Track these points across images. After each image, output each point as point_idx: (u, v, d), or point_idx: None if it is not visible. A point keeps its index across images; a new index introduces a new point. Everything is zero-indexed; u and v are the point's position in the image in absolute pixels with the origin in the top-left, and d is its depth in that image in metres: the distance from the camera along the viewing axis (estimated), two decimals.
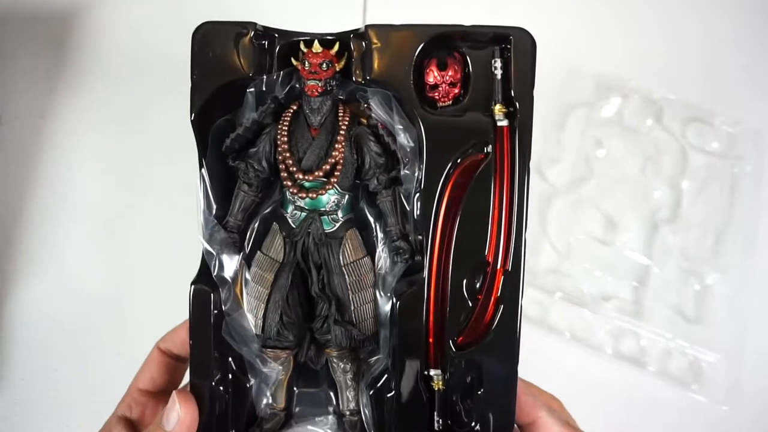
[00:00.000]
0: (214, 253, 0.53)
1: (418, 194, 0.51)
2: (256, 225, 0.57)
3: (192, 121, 0.51)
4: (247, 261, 0.55)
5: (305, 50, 0.53)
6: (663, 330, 0.72)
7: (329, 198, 0.53)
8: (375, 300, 0.54)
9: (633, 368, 0.72)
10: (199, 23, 0.50)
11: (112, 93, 0.75)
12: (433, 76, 0.50)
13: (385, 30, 0.50)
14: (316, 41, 0.52)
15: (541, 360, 0.74)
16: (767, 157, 0.75)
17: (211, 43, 0.50)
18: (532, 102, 0.49)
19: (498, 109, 0.50)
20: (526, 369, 0.73)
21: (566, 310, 0.74)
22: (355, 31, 0.51)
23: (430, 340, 0.52)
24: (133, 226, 0.77)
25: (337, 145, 0.52)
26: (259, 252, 0.54)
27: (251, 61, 0.51)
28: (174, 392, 0.48)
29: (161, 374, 0.55)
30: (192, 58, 0.50)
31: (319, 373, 0.59)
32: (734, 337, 0.71)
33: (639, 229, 0.75)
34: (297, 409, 0.59)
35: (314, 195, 0.51)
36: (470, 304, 0.51)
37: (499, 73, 0.50)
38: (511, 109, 0.50)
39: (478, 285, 0.52)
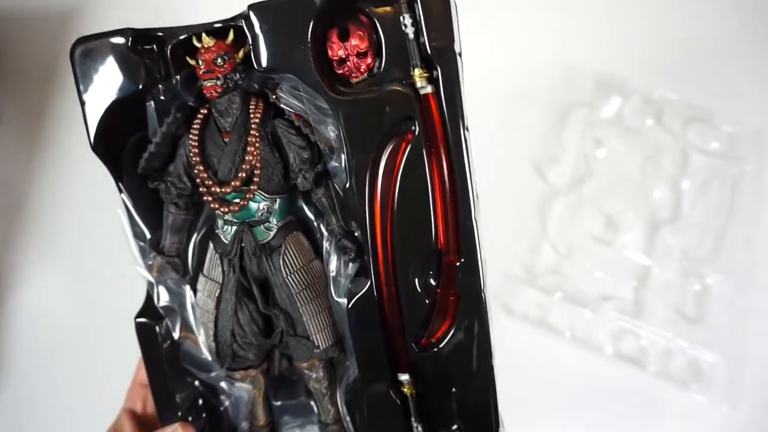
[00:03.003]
0: (155, 282, 0.50)
1: (348, 185, 0.45)
2: (196, 243, 0.53)
3: (93, 149, 0.47)
4: (193, 283, 0.52)
5: (197, 45, 0.46)
6: (663, 330, 0.72)
7: (257, 206, 0.47)
8: (330, 306, 0.49)
9: (633, 368, 0.71)
10: (74, 41, 0.45)
11: None
12: (335, 49, 0.42)
13: (268, 8, 0.42)
14: (203, 34, 0.45)
15: (541, 360, 0.74)
16: None
17: (92, 60, 0.45)
18: (455, 58, 0.41)
19: (418, 74, 0.42)
20: (526, 370, 0.70)
21: (566, 311, 0.73)
22: (242, 15, 0.44)
23: (391, 343, 0.46)
24: None
25: (249, 148, 0.46)
26: (200, 275, 0.51)
27: (139, 71, 0.45)
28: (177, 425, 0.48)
29: None
30: (76, 81, 0.45)
31: (297, 382, 0.56)
32: (735, 337, 0.70)
33: (639, 230, 0.75)
34: (284, 418, 0.57)
35: (237, 207, 0.46)
36: (427, 301, 0.45)
37: (410, 30, 0.41)
38: (434, 73, 0.41)
39: (432, 280, 0.45)
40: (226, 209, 0.46)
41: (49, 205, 0.74)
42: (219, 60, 0.45)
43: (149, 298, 0.51)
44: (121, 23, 0.76)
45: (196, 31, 0.46)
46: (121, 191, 0.49)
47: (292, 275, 0.48)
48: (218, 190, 0.46)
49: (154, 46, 0.46)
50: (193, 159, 0.47)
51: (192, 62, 0.47)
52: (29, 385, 0.72)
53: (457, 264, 0.44)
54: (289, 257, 0.48)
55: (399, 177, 0.44)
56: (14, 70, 0.71)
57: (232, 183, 0.46)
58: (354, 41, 0.42)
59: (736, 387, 0.69)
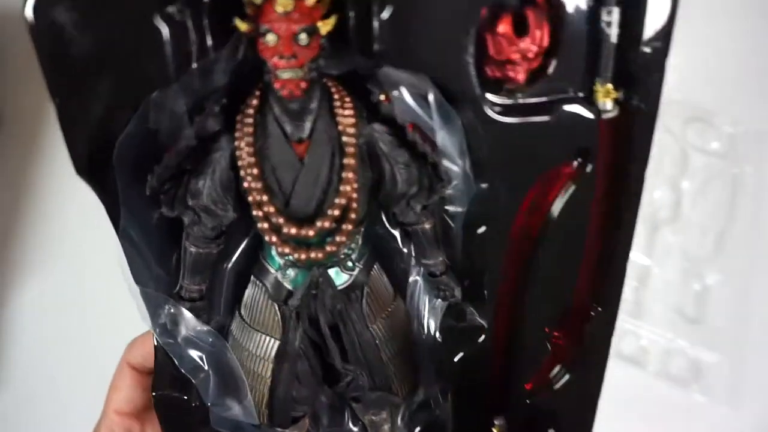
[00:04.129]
0: (173, 341, 0.35)
1: (472, 219, 0.34)
2: (226, 275, 0.38)
3: (79, 171, 0.28)
4: (222, 328, 0.38)
5: (258, 3, 0.28)
6: (663, 330, 0.70)
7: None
8: (413, 346, 0.40)
9: (633, 368, 0.71)
10: None
11: None
12: (504, 47, 0.29)
13: None
14: None
15: None
16: None
17: (72, 24, 0.25)
18: (662, 79, 0.30)
19: (605, 91, 0.30)
20: None
21: None
22: None
23: (496, 385, 0.40)
24: None
25: (346, 173, 0.31)
26: (241, 321, 0.37)
27: (166, 45, 0.26)
28: None
29: (138, 393, 0.45)
30: (42, 65, 0.25)
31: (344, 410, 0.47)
32: (735, 337, 0.70)
33: (639, 229, 0.76)
34: None
35: (322, 254, 0.33)
36: (548, 347, 0.39)
37: (613, 32, 0.29)
38: (626, 93, 0.31)
39: (556, 324, 0.38)
40: (303, 255, 0.32)
41: (49, 205, 0.71)
42: (302, 36, 0.28)
43: (163, 363, 0.36)
44: None
45: None
46: (117, 227, 0.31)
47: (376, 323, 0.37)
48: (294, 231, 0.32)
49: (185, 6, 0.27)
50: (250, 180, 0.31)
51: (243, 26, 0.29)
52: (29, 385, 0.71)
53: (592, 313, 0.37)
54: (372, 302, 0.37)
55: (547, 215, 0.34)
56: (14, 70, 0.70)
57: (319, 224, 0.32)
58: (532, 41, 0.29)
59: (737, 387, 0.70)
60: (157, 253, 0.34)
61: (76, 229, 0.70)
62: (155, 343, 0.36)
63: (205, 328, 0.36)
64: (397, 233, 0.39)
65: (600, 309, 0.37)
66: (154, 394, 0.36)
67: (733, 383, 0.70)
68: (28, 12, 0.24)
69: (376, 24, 0.28)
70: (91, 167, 0.28)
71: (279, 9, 0.28)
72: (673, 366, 0.71)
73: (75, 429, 0.64)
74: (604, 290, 0.36)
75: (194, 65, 0.28)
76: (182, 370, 0.36)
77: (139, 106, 0.28)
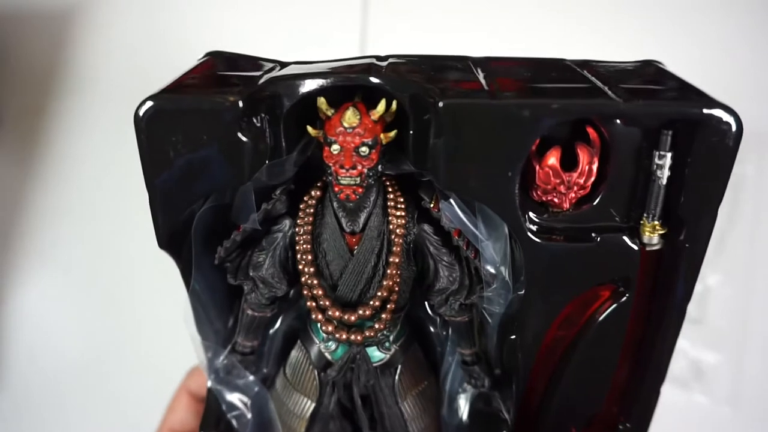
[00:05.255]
0: (221, 389, 0.39)
1: (505, 325, 0.35)
2: (276, 335, 0.41)
3: (162, 245, 0.33)
4: (267, 380, 0.42)
5: (329, 114, 0.31)
6: None
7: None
8: (440, 425, 0.42)
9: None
10: (143, 99, 0.29)
11: (113, 93, 0.69)
12: (550, 178, 0.30)
13: (466, 109, 0.28)
14: (350, 109, 0.30)
15: None
16: None
17: (168, 128, 0.29)
18: (712, 223, 0.30)
19: (651, 227, 0.31)
20: None
21: None
22: (425, 90, 0.29)
23: None
24: (133, 226, 0.67)
25: (390, 270, 0.34)
26: (284, 379, 0.40)
27: (243, 150, 0.30)
28: None
29: (191, 417, 0.49)
30: (141, 156, 0.30)
31: None
32: (736, 337, 0.68)
33: None
34: None
35: (361, 337, 0.35)
36: None
37: (665, 174, 0.29)
38: (673, 231, 0.31)
39: (584, 425, 0.39)
40: (344, 336, 0.35)
41: (49, 205, 0.70)
42: (364, 149, 0.31)
43: (213, 405, 0.40)
44: (121, 22, 0.67)
45: (327, 81, 0.31)
46: (188, 286, 0.36)
47: (407, 400, 0.39)
48: (337, 315, 0.35)
49: (266, 113, 0.30)
50: (304, 263, 0.34)
51: (315, 134, 0.32)
52: (28, 386, 0.70)
53: (620, 426, 0.37)
54: (405, 379, 0.39)
55: (581, 331, 0.34)
56: (14, 70, 0.68)
57: (360, 311, 0.34)
58: (580, 176, 0.30)
59: (737, 387, 0.69)
60: (219, 310, 0.39)
61: (76, 229, 0.69)
62: (208, 386, 0.41)
63: (252, 378, 0.40)
64: (437, 318, 0.41)
65: (628, 425, 0.37)
66: None
67: (734, 383, 0.69)
68: (141, 113, 0.28)
69: (430, 143, 0.30)
70: (171, 242, 0.32)
71: (345, 124, 0.31)
72: (673, 366, 0.70)
73: (75, 429, 0.69)
74: (633, 410, 0.36)
75: (267, 163, 0.31)
76: (228, 414, 0.40)
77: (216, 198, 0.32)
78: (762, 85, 0.69)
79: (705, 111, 0.27)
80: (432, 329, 0.41)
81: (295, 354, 0.40)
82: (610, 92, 0.28)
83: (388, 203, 0.34)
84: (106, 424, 0.69)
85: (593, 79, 0.31)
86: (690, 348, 0.70)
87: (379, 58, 0.35)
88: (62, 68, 0.69)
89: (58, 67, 0.69)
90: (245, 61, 0.35)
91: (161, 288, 0.64)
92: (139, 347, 0.69)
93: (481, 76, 0.31)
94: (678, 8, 0.68)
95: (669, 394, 0.70)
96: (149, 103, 0.28)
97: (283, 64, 0.35)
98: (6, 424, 0.70)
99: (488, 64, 0.33)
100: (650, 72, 0.33)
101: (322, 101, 0.31)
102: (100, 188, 0.70)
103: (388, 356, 0.38)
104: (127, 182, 0.64)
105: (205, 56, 0.37)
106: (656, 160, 0.29)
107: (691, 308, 0.72)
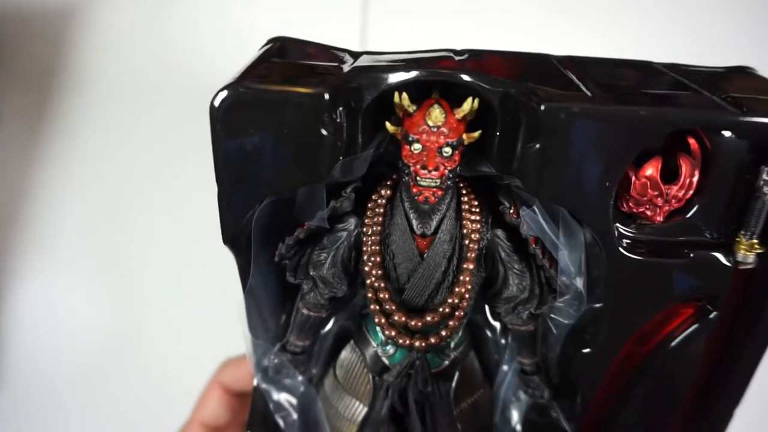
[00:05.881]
0: (268, 388, 0.38)
1: (572, 333, 0.34)
2: (328, 335, 0.40)
3: (226, 241, 0.31)
4: (314, 380, 0.40)
5: (411, 112, 0.29)
6: None
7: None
8: None
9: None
10: (220, 89, 0.27)
11: (113, 92, 0.69)
12: (648, 190, 0.28)
13: (573, 111, 0.26)
14: (436, 107, 0.29)
15: None
16: None
17: (245, 119, 0.27)
18: None
19: (748, 245, 0.29)
20: None
21: None
22: (521, 91, 0.27)
23: None
24: (133, 226, 0.70)
25: (463, 276, 0.32)
26: (335, 380, 0.39)
27: (325, 144, 0.28)
28: None
29: (223, 410, 0.48)
30: (215, 151, 0.28)
31: None
32: None
33: None
34: None
35: (425, 345, 0.34)
36: None
37: None
38: None
39: None
40: (408, 341, 0.34)
41: (49, 205, 0.70)
42: (447, 149, 0.29)
43: (259, 404, 0.39)
44: (121, 21, 0.67)
45: (407, 75, 0.29)
46: (246, 283, 0.34)
47: (461, 407, 0.38)
48: (403, 320, 0.33)
49: (344, 107, 0.28)
50: (371, 265, 0.33)
51: (394, 131, 0.30)
52: (28, 386, 0.70)
53: None
54: (462, 387, 0.38)
55: (654, 349, 0.33)
56: (14, 70, 0.68)
57: (428, 318, 0.33)
58: (680, 188, 0.28)
59: None
60: (272, 308, 0.37)
61: (76, 228, 0.70)
62: (255, 384, 0.39)
63: (301, 378, 0.39)
64: (497, 324, 0.39)
65: None
66: (248, 431, 0.39)
67: None
68: (217, 103, 0.26)
69: (519, 146, 0.28)
70: (235, 239, 0.31)
71: (430, 122, 0.29)
72: None
73: (75, 429, 0.70)
74: (702, 429, 0.35)
75: (341, 159, 0.29)
76: (275, 414, 0.39)
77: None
78: None
79: None
80: (490, 335, 0.39)
81: (347, 356, 0.39)
82: (721, 101, 0.26)
83: (462, 206, 0.32)
84: (106, 423, 0.69)
85: (693, 85, 0.29)
86: None
87: (455, 51, 0.33)
88: (62, 68, 0.69)
89: (58, 66, 0.69)
90: (316, 49, 0.33)
91: (162, 287, 0.69)
92: (139, 347, 0.69)
93: (574, 77, 0.29)
94: (678, 8, 0.67)
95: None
96: (225, 92, 0.27)
97: (354, 54, 0.33)
98: (6, 424, 0.71)
99: (576, 64, 0.31)
100: (749, 79, 0.31)
101: (405, 97, 0.29)
102: (100, 188, 0.70)
103: (447, 363, 0.37)
104: (128, 182, 0.69)
105: (268, 42, 0.35)
106: (764, 176, 0.27)
107: None
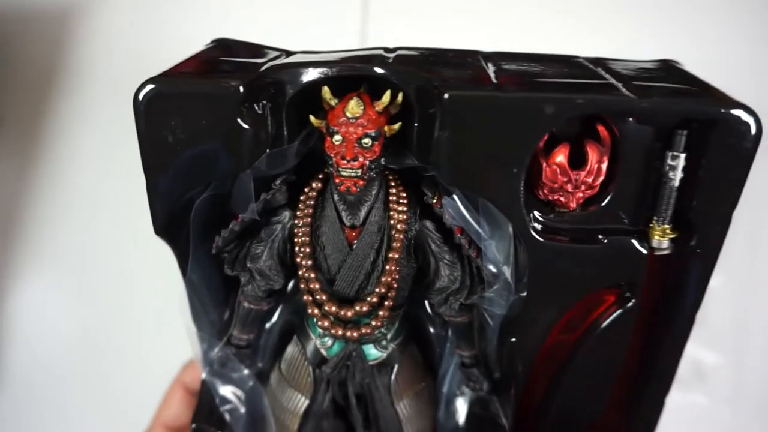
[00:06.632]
0: (214, 381, 0.39)
1: (505, 324, 0.34)
2: (272, 329, 0.41)
3: (157, 232, 0.32)
4: (263, 375, 0.41)
5: (333, 105, 0.30)
6: None
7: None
8: (436, 428, 0.41)
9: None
10: (143, 82, 0.28)
11: (113, 92, 0.68)
12: (558, 176, 0.29)
13: (473, 104, 0.27)
14: (354, 99, 0.30)
15: None
16: None
17: (167, 112, 0.29)
18: (726, 227, 0.29)
19: (661, 231, 0.30)
20: None
21: None
22: (431, 82, 0.28)
23: None
24: (134, 225, 0.67)
25: (389, 266, 0.33)
26: (279, 374, 0.40)
27: (244, 137, 0.29)
28: None
29: (185, 411, 0.48)
30: (141, 143, 0.29)
31: None
32: (736, 337, 0.68)
33: None
34: None
35: (357, 334, 0.34)
36: None
37: (677, 176, 0.28)
38: (684, 236, 0.30)
39: None
40: (340, 332, 0.35)
41: (49, 204, 0.70)
42: (366, 140, 0.30)
43: (206, 397, 0.39)
44: (121, 22, 0.68)
45: (330, 70, 0.30)
46: (185, 275, 0.35)
47: (402, 402, 0.39)
48: (334, 310, 0.34)
49: (268, 101, 0.30)
50: (302, 256, 0.33)
51: (316, 122, 0.31)
52: (28, 385, 0.70)
53: None
54: (401, 379, 0.38)
55: (581, 337, 0.33)
56: (14, 70, 0.68)
57: (357, 307, 0.34)
58: (589, 174, 0.29)
59: (739, 388, 0.69)
60: (215, 301, 0.38)
61: (76, 228, 0.70)
62: (202, 377, 0.40)
63: (247, 372, 0.40)
64: (438, 317, 0.40)
65: None
66: (193, 425, 0.39)
67: (734, 384, 0.68)
68: (141, 96, 0.28)
69: (434, 136, 0.29)
70: (167, 228, 0.32)
71: (348, 114, 0.30)
72: None
73: (75, 428, 0.70)
74: (635, 420, 0.35)
75: (268, 151, 0.30)
76: (220, 407, 0.39)
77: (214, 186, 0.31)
78: (762, 86, 0.66)
79: (723, 110, 0.26)
80: (432, 329, 0.40)
81: (290, 349, 0.39)
82: (624, 89, 0.27)
83: (390, 198, 0.33)
84: (106, 423, 0.69)
85: (607, 75, 0.30)
86: (690, 348, 0.69)
87: (387, 49, 0.35)
88: (62, 68, 0.69)
89: (58, 67, 0.69)
90: (250, 48, 0.34)
91: (162, 287, 0.65)
92: (139, 346, 0.69)
93: (490, 70, 0.30)
94: (678, 8, 0.67)
95: (669, 393, 0.72)
96: (149, 86, 0.28)
97: (290, 53, 0.34)
98: (6, 423, 0.70)
99: (499, 58, 0.32)
100: (667, 71, 0.32)
101: (326, 90, 0.30)
102: (100, 187, 0.70)
103: (384, 355, 0.37)
104: (128, 181, 0.69)
105: (211, 43, 0.36)
106: (669, 161, 0.28)
107: None
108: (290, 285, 0.40)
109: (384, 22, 0.66)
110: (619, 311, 0.32)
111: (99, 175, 0.70)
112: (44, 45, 0.69)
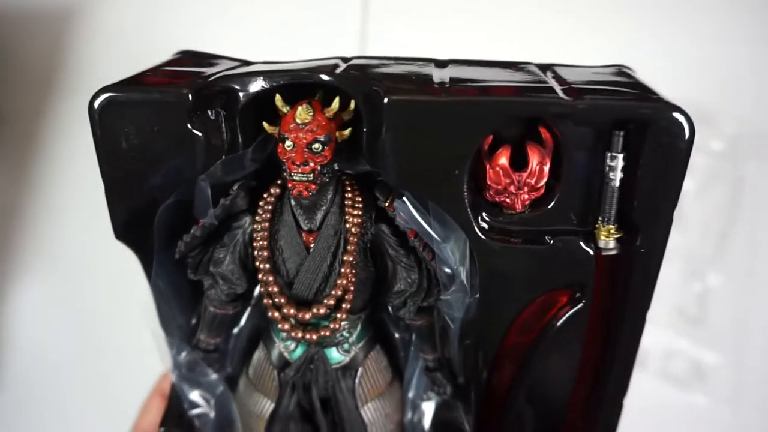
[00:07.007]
0: (182, 385, 0.39)
1: (464, 331, 0.35)
2: (240, 334, 0.41)
3: (118, 237, 0.33)
4: (232, 379, 0.42)
5: (285, 111, 0.31)
6: (664, 331, 0.69)
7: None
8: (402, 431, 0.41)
9: (634, 369, 0.69)
10: (98, 90, 0.29)
11: None
12: (501, 177, 0.29)
13: (410, 108, 0.28)
14: (303, 106, 0.31)
15: None
16: None
17: (121, 119, 0.30)
18: (668, 227, 0.29)
19: (607, 231, 0.30)
20: None
21: None
22: (375, 88, 0.29)
23: None
24: None
25: (344, 269, 0.34)
26: (246, 379, 0.40)
27: (197, 143, 0.30)
28: None
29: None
30: (97, 149, 0.30)
31: None
32: (736, 337, 0.68)
33: None
34: None
35: (316, 337, 0.35)
36: None
37: (617, 176, 0.29)
38: (629, 236, 0.30)
39: None
40: (300, 334, 0.35)
41: (49, 204, 0.70)
42: (316, 145, 0.31)
43: (175, 401, 0.40)
44: (120, 23, 0.68)
45: (278, 79, 0.31)
46: (150, 279, 0.36)
47: (367, 406, 0.39)
48: (293, 312, 0.34)
49: (222, 108, 0.31)
50: (260, 260, 0.34)
51: (269, 129, 0.32)
52: (28, 385, 0.70)
53: None
54: (366, 383, 0.39)
55: (537, 338, 0.34)
56: (14, 70, 0.68)
57: (314, 310, 0.34)
58: (530, 176, 0.29)
59: (738, 388, 0.69)
60: (182, 306, 0.39)
61: (75, 228, 0.70)
62: (172, 381, 0.41)
63: (215, 377, 0.40)
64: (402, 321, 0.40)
65: None
66: (162, 429, 0.40)
67: (735, 384, 0.68)
68: (96, 104, 0.29)
69: (381, 139, 0.30)
70: (127, 233, 0.33)
71: (298, 120, 0.31)
72: (674, 367, 0.70)
73: (75, 428, 0.69)
74: (597, 424, 0.35)
75: (223, 157, 0.31)
76: (188, 411, 0.40)
77: (171, 192, 0.32)
78: (762, 86, 0.69)
79: (654, 110, 0.26)
80: (396, 333, 0.40)
81: (257, 354, 0.40)
82: (561, 92, 0.28)
83: (346, 202, 0.34)
84: (106, 423, 0.68)
85: (550, 80, 0.30)
86: (690, 348, 0.70)
87: (344, 59, 0.36)
88: (62, 68, 0.69)
89: (58, 67, 0.69)
90: (211, 59, 0.35)
91: None
92: (140, 347, 0.69)
93: (437, 76, 0.31)
94: (678, 8, 0.68)
95: (669, 394, 0.70)
96: (103, 95, 0.29)
97: (249, 63, 0.35)
98: (6, 423, 0.70)
99: (451, 65, 0.33)
100: (613, 76, 0.32)
101: (278, 98, 0.31)
102: (99, 188, 0.69)
103: (347, 358, 0.38)
104: None
105: (176, 54, 0.37)
106: (608, 162, 0.28)
107: (691, 308, 0.70)
108: (257, 290, 0.41)
109: (384, 22, 0.67)
110: (571, 312, 0.32)
111: (99, 176, 0.71)
112: (44, 45, 0.69)
